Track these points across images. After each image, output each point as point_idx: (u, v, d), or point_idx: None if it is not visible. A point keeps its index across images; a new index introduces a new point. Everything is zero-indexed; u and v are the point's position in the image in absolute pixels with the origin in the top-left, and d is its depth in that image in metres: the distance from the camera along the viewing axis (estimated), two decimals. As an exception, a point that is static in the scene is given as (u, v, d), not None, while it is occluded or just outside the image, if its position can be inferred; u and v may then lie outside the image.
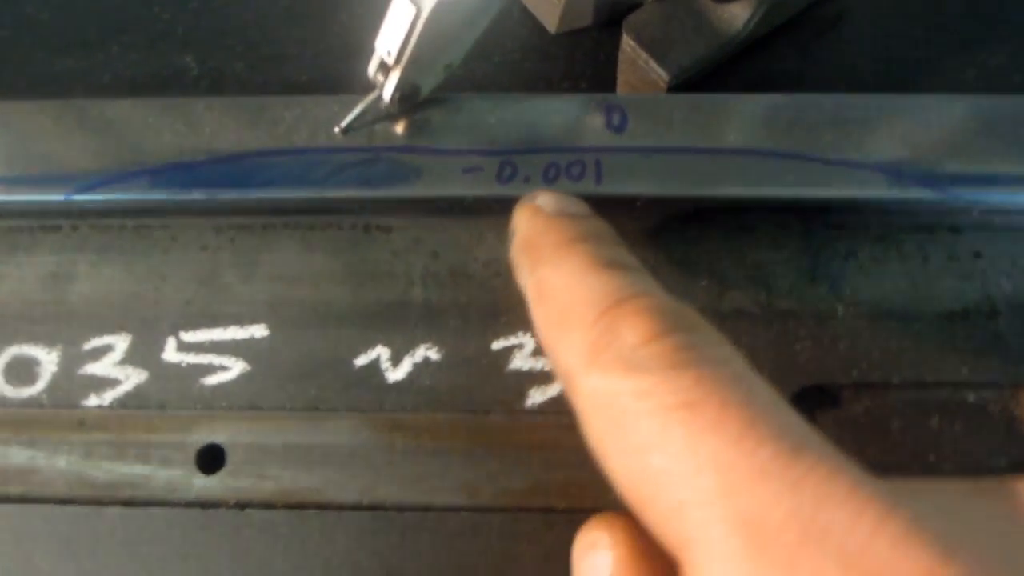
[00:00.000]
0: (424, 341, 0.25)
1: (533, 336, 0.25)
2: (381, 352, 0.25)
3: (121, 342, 0.25)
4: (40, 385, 0.25)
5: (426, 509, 0.23)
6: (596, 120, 0.25)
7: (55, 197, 0.25)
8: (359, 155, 0.25)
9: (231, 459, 0.24)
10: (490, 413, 0.24)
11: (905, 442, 0.24)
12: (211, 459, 0.24)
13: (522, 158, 0.25)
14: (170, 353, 0.25)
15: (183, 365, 0.25)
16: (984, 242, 0.25)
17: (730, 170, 0.25)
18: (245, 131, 0.26)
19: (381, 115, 0.25)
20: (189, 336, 0.25)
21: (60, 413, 0.25)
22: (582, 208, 0.23)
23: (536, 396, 0.24)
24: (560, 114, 0.26)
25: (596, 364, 0.18)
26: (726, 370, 0.17)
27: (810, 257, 0.26)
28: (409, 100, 0.24)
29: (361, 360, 0.25)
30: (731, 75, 0.33)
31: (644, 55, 0.31)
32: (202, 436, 0.24)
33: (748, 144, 0.25)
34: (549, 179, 0.24)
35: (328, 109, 0.26)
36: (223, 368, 0.25)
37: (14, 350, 0.25)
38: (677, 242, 0.26)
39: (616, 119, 0.25)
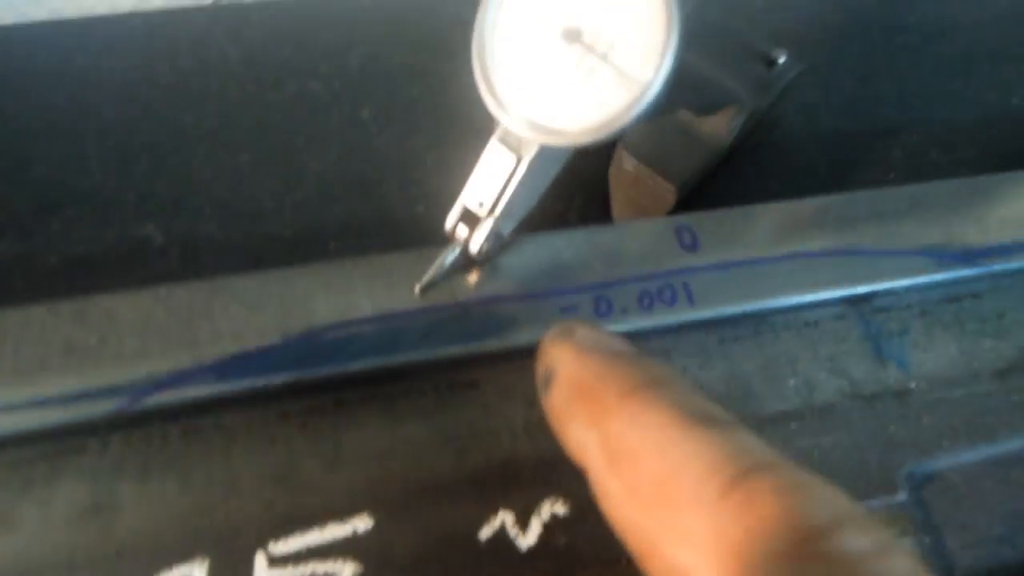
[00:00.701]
0: (546, 496, 0.23)
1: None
2: (504, 518, 0.23)
3: (198, 571, 0.21)
4: (103, 649, 0.20)
5: None
6: (669, 243, 0.26)
7: (101, 410, 0.21)
8: (447, 312, 0.24)
9: None
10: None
11: (998, 498, 0.25)
12: None
13: (613, 291, 0.24)
14: (262, 572, 0.21)
15: (283, 583, 0.21)
16: (1001, 303, 0.28)
17: (801, 273, 0.26)
18: (314, 303, 0.23)
19: (460, 267, 0.24)
20: (281, 547, 0.22)
21: None
22: (627, 344, 0.20)
23: (678, 531, 0.23)
24: (634, 242, 0.26)
25: (739, 565, 0.14)
26: None
27: (871, 341, 0.27)
28: (494, 250, 0.23)
29: (485, 532, 0.23)
30: (710, 184, 0.36)
31: (649, 172, 0.32)
32: (324, 663, 0.21)
33: (805, 247, 0.26)
34: (645, 307, 0.24)
35: (401, 267, 0.24)
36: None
37: (57, 612, 0.21)
38: (754, 348, 0.26)
39: (687, 239, 0.26)
